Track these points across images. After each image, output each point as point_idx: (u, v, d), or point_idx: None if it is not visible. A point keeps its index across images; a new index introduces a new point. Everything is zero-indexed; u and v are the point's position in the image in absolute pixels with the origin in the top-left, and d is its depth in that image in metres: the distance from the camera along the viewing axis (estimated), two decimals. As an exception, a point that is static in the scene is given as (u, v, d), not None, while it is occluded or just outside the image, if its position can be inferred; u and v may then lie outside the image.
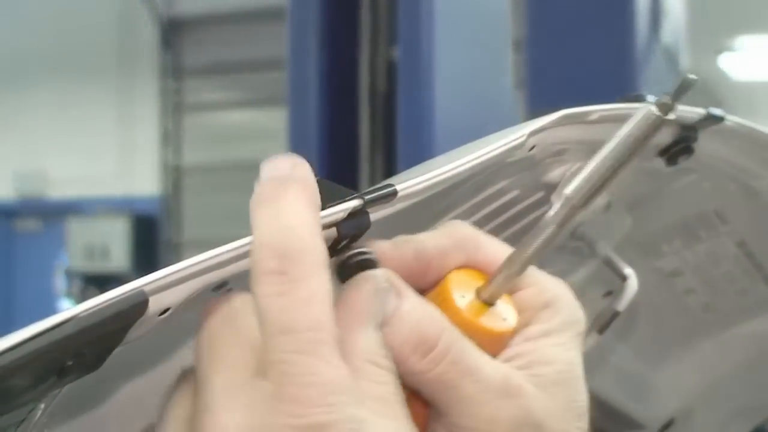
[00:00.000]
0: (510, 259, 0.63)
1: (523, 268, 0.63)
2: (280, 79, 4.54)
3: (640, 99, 0.79)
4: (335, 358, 0.55)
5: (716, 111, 0.83)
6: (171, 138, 11.64)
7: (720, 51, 11.27)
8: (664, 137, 0.84)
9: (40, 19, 11.88)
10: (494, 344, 0.63)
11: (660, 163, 0.86)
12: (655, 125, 0.56)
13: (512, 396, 0.60)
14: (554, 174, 0.82)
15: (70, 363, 0.53)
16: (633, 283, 0.91)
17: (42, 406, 0.63)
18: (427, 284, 0.65)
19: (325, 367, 0.54)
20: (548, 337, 0.64)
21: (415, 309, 0.61)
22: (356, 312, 0.60)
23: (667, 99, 0.56)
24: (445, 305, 0.63)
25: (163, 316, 0.57)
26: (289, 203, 0.57)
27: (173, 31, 11.63)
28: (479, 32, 3.44)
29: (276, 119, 7.21)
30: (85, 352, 0.54)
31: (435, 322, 0.61)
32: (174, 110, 11.67)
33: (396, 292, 0.61)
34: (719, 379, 1.24)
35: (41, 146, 12.04)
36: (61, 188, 11.97)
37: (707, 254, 1.08)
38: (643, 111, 0.56)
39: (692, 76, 0.56)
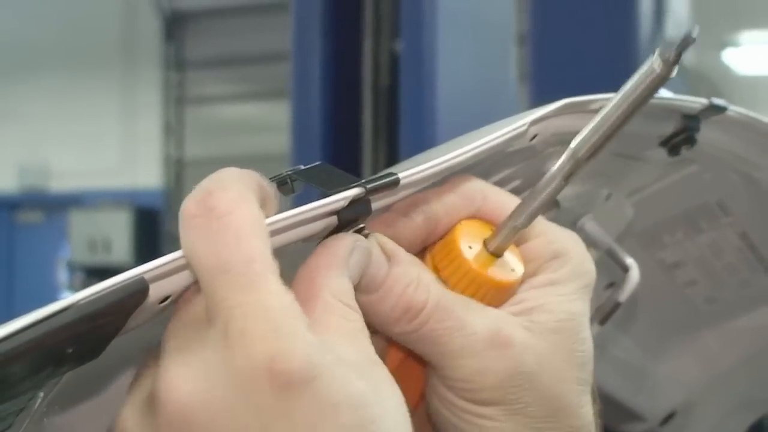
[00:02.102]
0: (516, 212, 0.63)
1: (529, 221, 0.63)
2: (283, 72, 4.54)
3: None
4: (277, 287, 0.53)
5: (719, 101, 0.83)
6: (173, 130, 11.64)
7: (724, 46, 11.25)
8: (666, 127, 0.84)
9: (43, 10, 11.88)
10: (501, 295, 0.64)
11: (662, 153, 0.86)
12: (659, 79, 0.57)
13: (500, 347, 0.61)
14: None
15: (69, 351, 0.53)
16: (634, 274, 0.91)
17: (41, 394, 0.63)
18: (436, 238, 0.66)
19: (268, 298, 0.52)
20: (553, 286, 0.64)
21: (405, 274, 0.62)
22: (332, 256, 0.59)
23: (669, 53, 0.56)
24: (453, 256, 0.63)
25: (163, 304, 0.57)
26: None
27: (176, 23, 11.63)
28: (482, 25, 3.43)
29: (279, 112, 7.21)
30: (85, 340, 0.53)
31: (422, 286, 0.62)
32: (176, 102, 11.67)
33: (388, 257, 0.62)
34: (721, 371, 1.24)
35: (43, 138, 12.04)
36: (63, 180, 11.97)
37: (709, 246, 1.07)
38: (646, 65, 0.57)
39: (694, 31, 0.56)
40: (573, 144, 0.60)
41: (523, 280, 0.65)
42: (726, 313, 1.18)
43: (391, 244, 0.63)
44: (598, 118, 0.59)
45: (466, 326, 0.61)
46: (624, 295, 0.91)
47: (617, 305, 0.91)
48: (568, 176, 0.61)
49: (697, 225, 1.05)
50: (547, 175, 0.62)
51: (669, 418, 1.25)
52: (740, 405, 1.27)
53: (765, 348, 1.22)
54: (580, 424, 0.64)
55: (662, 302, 1.14)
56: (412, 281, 0.61)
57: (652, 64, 0.57)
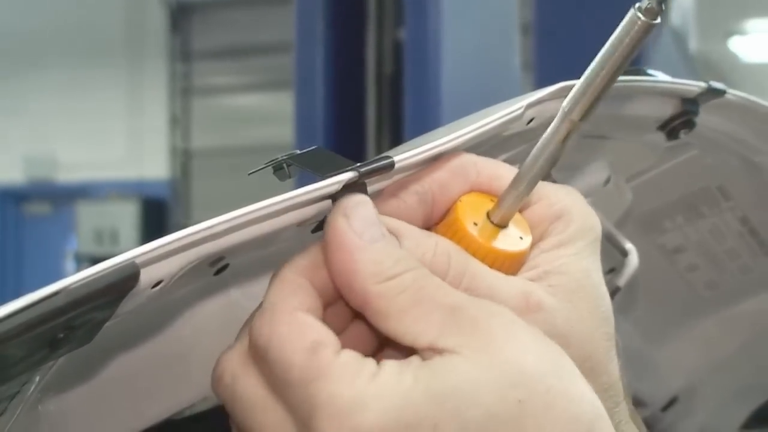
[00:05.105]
0: (516, 180, 0.62)
1: (530, 188, 0.62)
2: (288, 63, 4.54)
3: (641, 72, 0.79)
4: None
5: (717, 84, 0.82)
6: (180, 121, 11.64)
7: (730, 34, 11.24)
8: (665, 110, 0.83)
9: (49, 3, 11.88)
10: (513, 265, 0.63)
11: (660, 137, 0.85)
12: (643, 30, 0.55)
13: (533, 312, 0.60)
14: None
15: (61, 335, 0.53)
16: (634, 259, 0.90)
17: (37, 378, 0.63)
18: (436, 218, 0.65)
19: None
20: (562, 247, 0.64)
21: (417, 246, 0.61)
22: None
23: (652, 2, 0.55)
24: (460, 235, 0.63)
25: (155, 289, 0.56)
26: None
27: (182, 15, 11.62)
28: (486, 13, 3.43)
29: (284, 102, 7.20)
30: (77, 324, 0.53)
31: (441, 253, 0.61)
32: (182, 94, 11.66)
33: (395, 234, 0.61)
34: (723, 357, 1.24)
35: (50, 130, 12.05)
36: (70, 172, 11.98)
37: (710, 230, 1.07)
38: (628, 17, 0.56)
39: None
40: (564, 104, 0.60)
41: (531, 246, 0.64)
42: (727, 299, 1.18)
43: (394, 222, 0.62)
44: (585, 75, 0.59)
45: (497, 294, 0.60)
46: (623, 279, 0.90)
47: (617, 290, 0.90)
48: (564, 139, 0.60)
49: (697, 210, 1.05)
50: (542, 139, 0.61)
51: (671, 403, 1.25)
52: (742, 391, 1.27)
53: (766, 334, 1.22)
54: (611, 381, 0.63)
55: (663, 287, 1.14)
56: (428, 249, 0.60)
57: (634, 15, 0.56)
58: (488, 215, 0.63)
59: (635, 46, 0.56)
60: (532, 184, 0.62)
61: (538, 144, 0.61)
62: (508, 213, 0.63)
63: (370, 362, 0.55)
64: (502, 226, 0.63)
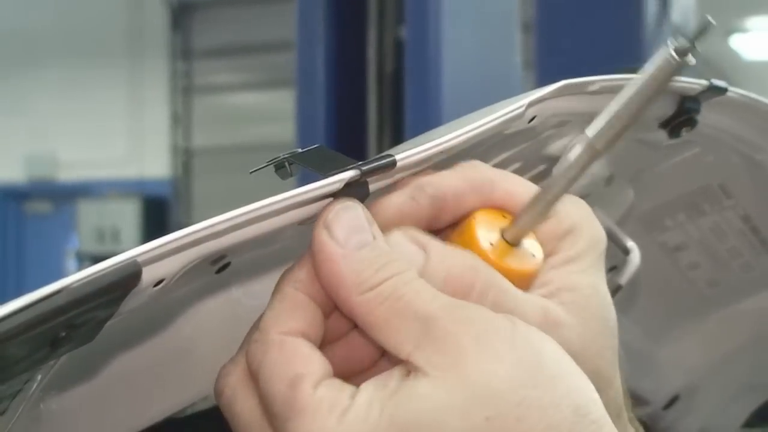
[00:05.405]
0: (534, 202, 0.62)
1: (547, 210, 0.62)
2: (290, 61, 4.54)
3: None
4: None
5: (718, 82, 0.82)
6: (181, 120, 11.65)
7: (731, 32, 11.23)
8: (666, 108, 0.83)
9: (49, 2, 11.88)
10: (526, 282, 0.63)
11: (662, 135, 0.85)
12: (675, 68, 0.56)
13: (551, 328, 0.59)
14: (556, 146, 0.81)
15: (63, 334, 0.53)
16: (635, 257, 0.90)
17: (39, 377, 0.63)
18: (441, 225, 0.65)
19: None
20: (571, 263, 0.63)
21: (443, 260, 0.60)
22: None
23: (685, 41, 0.55)
24: (473, 251, 0.62)
25: (157, 288, 0.56)
26: None
27: (183, 13, 11.63)
28: (487, 11, 3.43)
29: (285, 101, 7.21)
30: (78, 323, 0.53)
31: (467, 268, 0.60)
32: (183, 92, 11.67)
33: (422, 248, 0.61)
34: (724, 355, 1.23)
35: (51, 129, 12.05)
36: (71, 171, 11.99)
37: (712, 228, 1.07)
38: (662, 54, 0.56)
39: (710, 19, 0.55)
40: (590, 135, 0.59)
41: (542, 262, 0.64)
42: (729, 297, 1.17)
43: (422, 235, 0.61)
44: (613, 108, 0.58)
45: (519, 310, 0.59)
46: (625, 277, 0.90)
47: (618, 288, 0.90)
48: (585, 167, 0.60)
49: (699, 207, 1.05)
50: (564, 167, 0.60)
51: (672, 401, 1.25)
52: (744, 389, 1.27)
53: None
54: (616, 394, 0.63)
55: (665, 285, 1.14)
56: (455, 263, 0.60)
57: (668, 54, 0.56)
58: (502, 233, 0.63)
59: (665, 82, 0.56)
60: (551, 206, 0.62)
61: (559, 167, 0.61)
62: (522, 232, 0.63)
63: (346, 395, 0.56)
64: (514, 243, 0.63)
